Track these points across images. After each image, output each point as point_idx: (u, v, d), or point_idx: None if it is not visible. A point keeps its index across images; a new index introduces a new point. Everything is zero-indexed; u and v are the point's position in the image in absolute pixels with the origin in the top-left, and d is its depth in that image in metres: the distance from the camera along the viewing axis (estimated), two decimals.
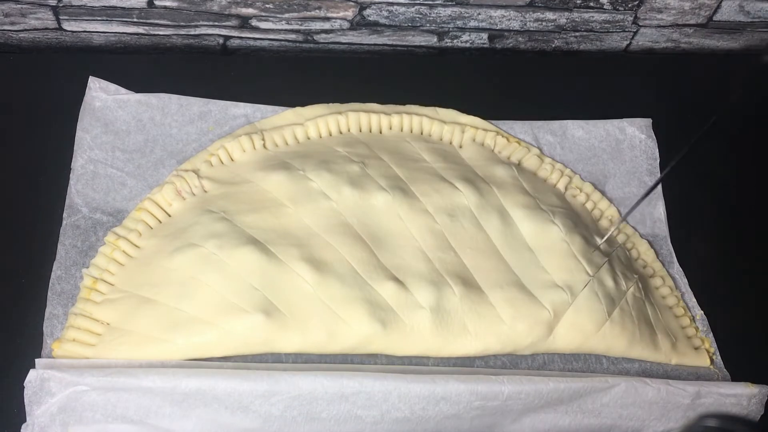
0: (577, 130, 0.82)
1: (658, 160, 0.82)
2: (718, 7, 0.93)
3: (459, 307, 0.65)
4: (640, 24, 0.95)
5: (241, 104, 0.77)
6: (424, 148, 0.76)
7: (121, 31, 0.87)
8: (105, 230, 0.67)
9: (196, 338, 0.61)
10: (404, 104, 0.80)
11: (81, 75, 0.75)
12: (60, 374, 0.56)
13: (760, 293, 0.76)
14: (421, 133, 0.78)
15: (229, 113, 0.76)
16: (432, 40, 0.94)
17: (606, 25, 0.94)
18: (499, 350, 0.66)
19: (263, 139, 0.74)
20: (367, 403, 0.59)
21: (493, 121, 0.80)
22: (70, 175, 0.70)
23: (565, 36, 0.95)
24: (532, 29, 0.94)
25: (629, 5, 0.92)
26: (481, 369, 0.65)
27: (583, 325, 0.67)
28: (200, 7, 0.85)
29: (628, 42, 0.98)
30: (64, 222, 0.67)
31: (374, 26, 0.91)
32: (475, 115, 0.80)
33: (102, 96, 0.74)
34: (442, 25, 0.91)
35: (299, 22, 0.89)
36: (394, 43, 0.93)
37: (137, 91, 0.75)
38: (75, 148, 0.71)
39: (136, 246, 0.66)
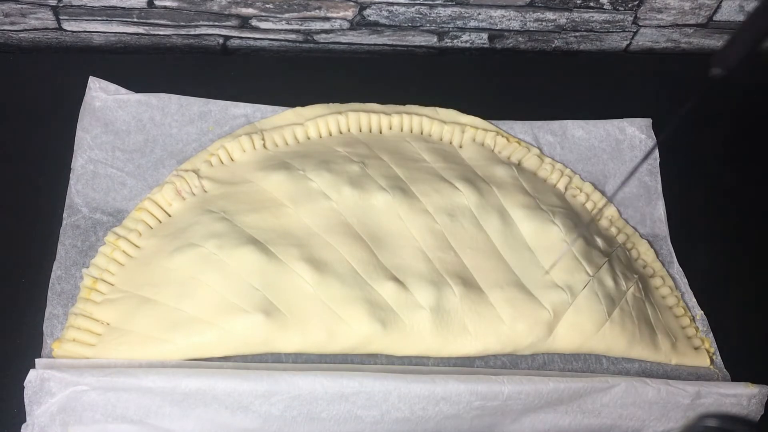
0: (577, 130, 0.82)
1: (658, 160, 0.81)
2: (718, 7, 0.93)
3: (459, 307, 0.65)
4: (640, 24, 0.95)
5: (241, 104, 0.77)
6: (424, 148, 0.76)
7: (121, 31, 0.87)
8: (105, 230, 0.67)
9: (196, 338, 0.61)
10: (404, 104, 0.80)
11: (81, 75, 0.75)
12: (60, 374, 0.56)
13: (760, 293, 0.76)
14: (421, 133, 0.78)
15: (229, 113, 0.76)
16: (432, 40, 0.94)
17: (606, 25, 0.94)
18: (499, 350, 0.66)
19: (263, 139, 0.74)
20: (367, 403, 0.59)
21: (493, 121, 0.80)
22: (70, 175, 0.70)
23: (565, 36, 0.95)
24: (532, 29, 0.94)
25: (629, 5, 0.92)
26: (481, 369, 0.65)
27: (583, 325, 0.67)
28: (200, 7, 0.85)
29: (628, 42, 0.98)
30: (64, 222, 0.67)
31: (374, 26, 0.91)
32: (475, 115, 0.80)
33: (102, 96, 0.74)
34: (442, 25, 0.91)
35: (299, 22, 0.89)
36: (394, 43, 0.93)
37: (137, 91, 0.75)
38: (75, 148, 0.71)
39: (136, 246, 0.66)
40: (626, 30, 0.96)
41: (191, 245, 0.65)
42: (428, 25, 0.91)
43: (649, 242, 0.77)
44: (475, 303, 0.65)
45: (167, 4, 0.84)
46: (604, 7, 0.92)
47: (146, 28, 0.87)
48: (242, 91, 0.78)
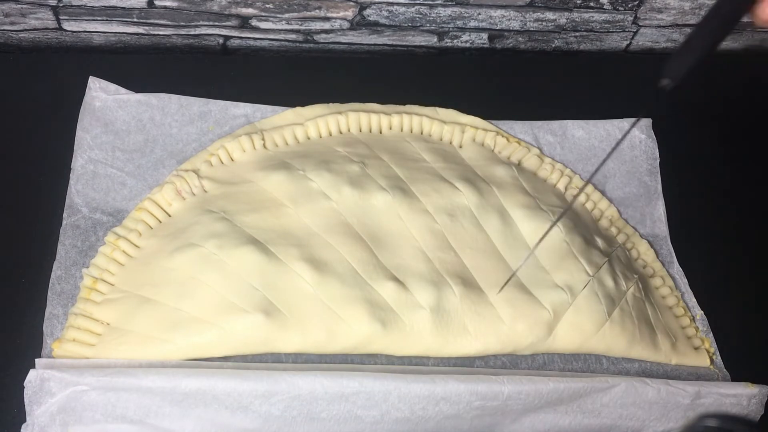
0: (577, 130, 0.82)
1: (658, 160, 0.82)
2: None
3: (459, 307, 0.65)
4: (640, 24, 0.95)
5: (241, 104, 0.77)
6: (424, 148, 0.76)
7: (121, 31, 0.87)
8: (105, 230, 0.67)
9: (196, 338, 0.61)
10: (404, 104, 0.80)
11: (81, 75, 0.75)
12: (60, 374, 0.56)
13: (760, 293, 0.76)
14: (421, 133, 0.78)
15: (229, 113, 0.76)
16: (432, 40, 0.94)
17: (606, 25, 0.94)
18: (499, 350, 0.66)
19: (263, 139, 0.74)
20: (367, 403, 0.59)
21: (493, 121, 0.80)
22: (70, 175, 0.70)
23: (565, 36, 0.95)
24: (532, 29, 0.94)
25: (629, 5, 0.92)
26: (481, 369, 0.65)
27: (583, 325, 0.67)
28: (200, 7, 0.85)
29: (628, 42, 0.98)
30: (64, 222, 0.67)
31: (374, 26, 0.91)
32: (475, 115, 0.80)
33: (102, 96, 0.74)
34: (442, 25, 0.91)
35: (299, 22, 0.89)
36: (394, 43, 0.93)
37: (137, 91, 0.75)
38: (75, 148, 0.71)
39: (136, 246, 0.66)
40: (626, 30, 0.96)
41: (191, 245, 0.65)
42: (428, 25, 0.91)
43: (649, 242, 0.77)
44: (475, 303, 0.65)
45: (167, 4, 0.84)
46: (604, 7, 0.92)
47: (146, 28, 0.87)
48: (242, 91, 0.78)
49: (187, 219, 0.68)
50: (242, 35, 0.90)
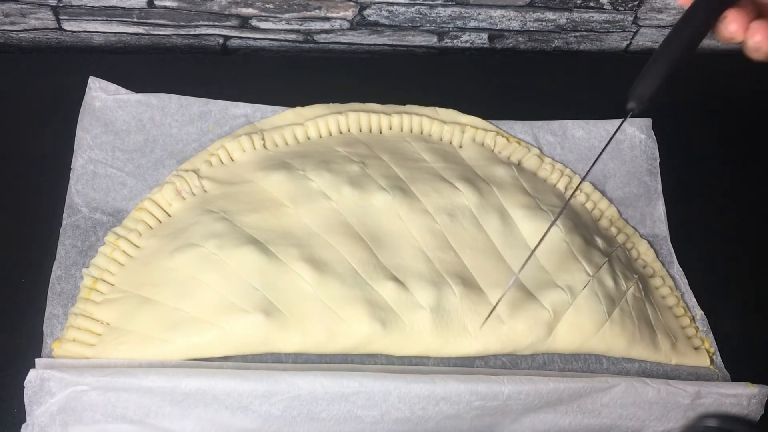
0: (577, 130, 0.82)
1: (658, 160, 0.82)
2: None
3: (459, 307, 0.65)
4: (640, 24, 0.95)
5: (241, 104, 0.77)
6: (424, 148, 0.76)
7: (121, 31, 0.87)
8: (105, 230, 0.67)
9: (196, 338, 0.61)
10: (404, 104, 0.80)
11: (81, 75, 0.75)
12: (60, 374, 0.56)
13: (760, 293, 0.76)
14: (421, 133, 0.78)
15: (229, 113, 0.76)
16: (432, 40, 0.94)
17: (606, 25, 0.94)
18: (499, 350, 0.66)
19: (263, 139, 0.74)
20: (367, 403, 0.59)
21: (493, 121, 0.80)
22: (70, 175, 0.70)
23: (565, 36, 0.95)
24: (532, 29, 0.94)
25: (629, 5, 0.92)
26: (481, 369, 0.65)
27: (583, 325, 0.67)
28: (200, 7, 0.85)
29: (628, 42, 0.98)
30: (64, 222, 0.67)
31: (374, 26, 0.91)
32: (475, 115, 0.80)
33: (102, 96, 0.74)
34: (442, 25, 0.91)
35: (299, 22, 0.89)
36: (394, 43, 0.93)
37: (137, 91, 0.75)
38: (75, 148, 0.71)
39: (136, 246, 0.66)
40: (626, 30, 0.96)
41: (191, 245, 0.65)
42: (428, 25, 0.91)
43: (649, 242, 0.77)
44: (475, 303, 0.65)
45: (167, 4, 0.84)
46: (604, 7, 0.92)
47: (146, 28, 0.87)
48: (242, 91, 0.78)
49: (187, 219, 0.68)
50: (242, 35, 0.90)
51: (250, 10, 0.86)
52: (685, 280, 0.75)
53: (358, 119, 0.77)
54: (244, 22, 0.88)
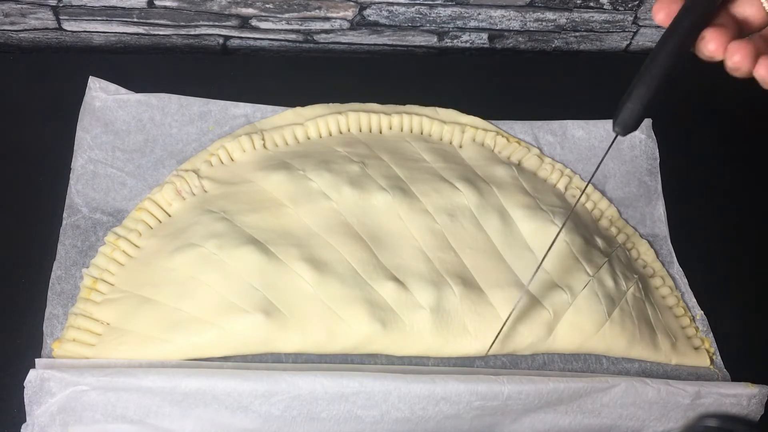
0: (577, 130, 0.82)
1: (658, 160, 0.82)
2: None
3: (459, 307, 0.65)
4: (640, 24, 0.95)
5: (241, 104, 0.77)
6: (424, 148, 0.76)
7: (121, 31, 0.87)
8: (105, 230, 0.67)
9: (196, 338, 0.61)
10: (404, 104, 0.80)
11: (81, 75, 0.75)
12: (60, 374, 0.56)
13: (760, 293, 0.76)
14: (421, 133, 0.78)
15: (229, 113, 0.76)
16: (432, 40, 0.94)
17: (606, 25, 0.94)
18: (499, 350, 0.66)
19: (263, 139, 0.74)
20: (367, 403, 0.59)
21: (493, 121, 0.80)
22: (70, 175, 0.70)
23: (565, 36, 0.95)
24: (532, 29, 0.94)
25: (629, 5, 0.92)
26: (481, 369, 0.65)
27: (583, 325, 0.67)
28: (200, 7, 0.85)
29: (628, 42, 0.98)
30: (64, 222, 0.67)
31: (374, 26, 0.91)
32: (475, 115, 0.80)
33: (102, 96, 0.74)
34: (442, 25, 0.91)
35: (299, 22, 0.89)
36: (394, 43, 0.93)
37: (137, 91, 0.75)
38: (75, 148, 0.71)
39: (136, 246, 0.66)
40: (626, 30, 0.96)
41: (191, 245, 0.65)
42: (428, 25, 0.91)
43: (649, 242, 0.77)
44: (475, 303, 0.65)
45: (167, 4, 0.84)
46: (604, 7, 0.92)
47: (146, 28, 0.87)
48: (242, 91, 0.78)
49: (187, 219, 0.68)
50: (242, 35, 0.90)
51: (250, 10, 0.86)
52: (685, 280, 0.75)
53: (358, 119, 0.77)
54: (244, 22, 0.88)
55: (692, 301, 0.74)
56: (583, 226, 0.74)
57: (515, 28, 0.93)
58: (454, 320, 0.65)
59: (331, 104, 0.78)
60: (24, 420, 0.56)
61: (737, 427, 0.47)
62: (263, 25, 0.88)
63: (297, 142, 0.75)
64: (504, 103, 0.83)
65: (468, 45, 0.95)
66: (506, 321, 0.64)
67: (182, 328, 0.61)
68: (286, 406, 0.58)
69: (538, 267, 0.64)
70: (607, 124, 0.82)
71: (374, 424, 0.60)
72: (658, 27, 0.95)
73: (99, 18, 0.85)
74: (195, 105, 0.76)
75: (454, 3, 0.88)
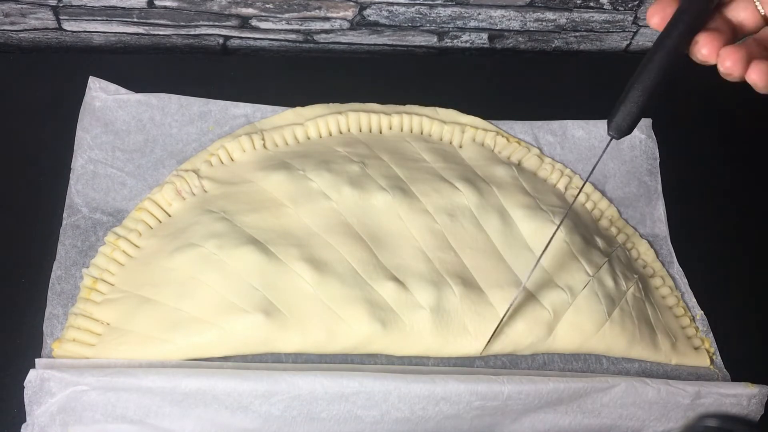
0: (577, 130, 0.82)
1: (658, 160, 0.82)
2: None
3: (459, 307, 0.65)
4: (640, 24, 0.95)
5: (241, 104, 0.77)
6: (424, 148, 0.76)
7: (121, 31, 0.87)
8: (105, 230, 0.67)
9: (196, 338, 0.61)
10: (404, 104, 0.80)
11: (81, 75, 0.75)
12: (60, 374, 0.56)
13: (760, 293, 0.76)
14: (421, 133, 0.78)
15: (229, 113, 0.76)
16: (432, 40, 0.94)
17: (606, 25, 0.94)
18: (499, 350, 0.66)
19: (263, 139, 0.74)
20: (367, 403, 0.59)
21: (493, 121, 0.80)
22: (70, 175, 0.70)
23: (565, 36, 0.95)
24: (532, 29, 0.94)
25: (629, 5, 0.92)
26: (481, 369, 0.65)
27: (583, 325, 0.67)
28: (200, 7, 0.85)
29: (628, 42, 0.98)
30: (64, 222, 0.67)
31: (374, 26, 0.91)
32: (475, 115, 0.80)
33: (102, 96, 0.74)
34: (442, 25, 0.91)
35: (299, 22, 0.89)
36: (394, 43, 0.93)
37: (137, 91, 0.75)
38: (75, 148, 0.71)
39: (136, 246, 0.66)
40: (626, 30, 0.96)
41: (191, 245, 0.65)
42: (428, 25, 0.91)
43: (649, 242, 0.77)
44: (475, 303, 0.65)
45: (167, 4, 0.84)
46: (604, 7, 0.92)
47: (146, 28, 0.87)
48: (242, 91, 0.78)
49: (187, 219, 0.68)
50: (242, 35, 0.90)
51: (250, 10, 0.86)
52: (685, 280, 0.75)
53: (358, 119, 0.77)
54: (244, 22, 0.88)
55: (692, 301, 0.74)
56: (583, 226, 0.74)
57: (515, 28, 0.93)
58: (454, 320, 0.65)
59: (331, 104, 0.78)
60: (24, 420, 0.56)
61: (737, 427, 0.47)
62: (263, 25, 0.88)
63: (297, 142, 0.75)
64: (504, 103, 0.83)
65: (468, 45, 0.95)
66: (504, 317, 0.64)
67: (182, 328, 0.61)
68: (286, 406, 0.59)
69: (536, 263, 0.64)
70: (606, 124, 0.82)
71: (374, 424, 0.60)
72: None
73: (99, 18, 0.85)
74: (195, 105, 0.76)
75: (454, 3, 0.88)
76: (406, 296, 0.65)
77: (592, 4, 0.91)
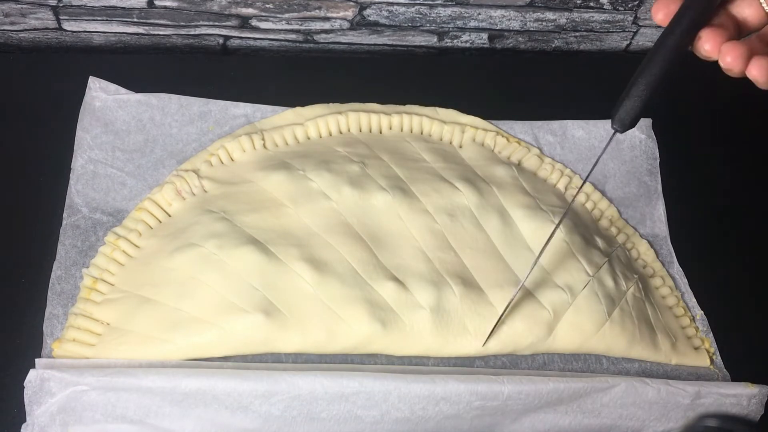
0: (577, 130, 0.82)
1: (658, 160, 0.82)
2: None
3: (459, 307, 0.65)
4: (640, 24, 0.95)
5: (241, 104, 0.77)
6: (424, 148, 0.76)
7: (121, 31, 0.87)
8: (105, 230, 0.67)
9: (196, 338, 0.61)
10: (404, 104, 0.80)
11: (81, 75, 0.75)
12: (60, 374, 0.56)
13: (760, 293, 0.76)
14: (421, 133, 0.78)
15: (229, 113, 0.76)
16: (432, 40, 0.94)
17: (606, 25, 0.94)
18: (499, 350, 0.66)
19: (263, 139, 0.74)
20: (367, 403, 0.59)
21: (493, 121, 0.80)
22: (70, 175, 0.70)
23: (565, 36, 0.95)
24: (532, 29, 0.94)
25: (629, 5, 0.92)
26: (481, 369, 0.65)
27: (583, 325, 0.67)
28: (200, 7, 0.85)
29: (628, 42, 0.98)
30: (64, 222, 0.67)
31: (374, 26, 0.91)
32: (475, 115, 0.80)
33: (102, 96, 0.74)
34: (442, 25, 0.91)
35: (299, 22, 0.89)
36: (394, 43, 0.93)
37: (137, 91, 0.75)
38: (75, 148, 0.71)
39: (136, 246, 0.66)
40: (626, 30, 0.96)
41: (191, 245, 0.65)
42: (428, 25, 0.91)
43: (649, 242, 0.77)
44: (475, 303, 0.65)
45: (167, 4, 0.84)
46: (604, 7, 0.92)
47: (146, 28, 0.87)
48: (242, 91, 0.78)
49: (187, 219, 0.68)
50: (242, 35, 0.90)
51: (250, 10, 0.86)
52: (685, 280, 0.75)
53: (358, 119, 0.77)
54: (244, 22, 0.88)
55: (692, 301, 0.74)
56: (583, 226, 0.74)
57: (515, 28, 0.93)
58: (454, 320, 0.65)
59: (331, 104, 0.78)
60: (24, 420, 0.56)
61: (737, 427, 0.47)
62: (263, 25, 0.88)
63: (297, 142, 0.75)
64: (504, 103, 0.83)
65: (468, 45, 0.95)
66: (502, 314, 0.64)
67: (182, 328, 0.61)
68: (286, 406, 0.59)
69: (535, 262, 0.64)
70: (607, 124, 0.82)
71: (374, 424, 0.60)
72: (659, 27, 0.95)
73: (99, 18, 0.85)
74: (195, 105, 0.76)
75: (454, 3, 0.88)
76: (406, 296, 0.65)
77: (592, 4, 0.91)
